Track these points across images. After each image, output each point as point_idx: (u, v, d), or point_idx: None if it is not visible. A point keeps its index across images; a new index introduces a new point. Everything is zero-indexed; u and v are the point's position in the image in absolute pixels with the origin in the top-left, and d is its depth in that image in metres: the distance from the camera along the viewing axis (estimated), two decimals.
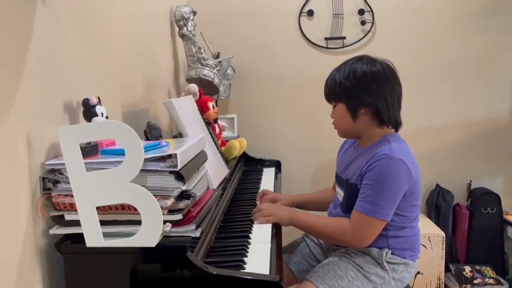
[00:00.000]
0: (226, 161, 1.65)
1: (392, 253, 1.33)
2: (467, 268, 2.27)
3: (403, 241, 1.34)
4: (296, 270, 1.53)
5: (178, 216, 0.92)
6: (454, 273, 2.26)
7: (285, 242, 1.60)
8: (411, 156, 1.29)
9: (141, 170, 0.84)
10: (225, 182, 1.51)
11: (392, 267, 1.32)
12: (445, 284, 2.22)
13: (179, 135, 1.52)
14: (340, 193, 1.44)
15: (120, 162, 0.84)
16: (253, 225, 1.32)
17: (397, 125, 1.37)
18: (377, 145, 1.33)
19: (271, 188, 1.77)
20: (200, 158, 1.10)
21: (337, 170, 1.51)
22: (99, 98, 1.04)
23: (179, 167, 0.90)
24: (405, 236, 1.34)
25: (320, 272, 1.31)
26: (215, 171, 1.41)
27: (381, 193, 1.24)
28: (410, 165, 1.26)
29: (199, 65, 2.00)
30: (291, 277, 1.53)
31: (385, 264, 1.31)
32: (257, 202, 1.57)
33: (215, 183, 1.34)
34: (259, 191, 1.68)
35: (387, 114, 1.32)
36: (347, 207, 1.36)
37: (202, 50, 2.01)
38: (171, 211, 0.93)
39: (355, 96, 1.32)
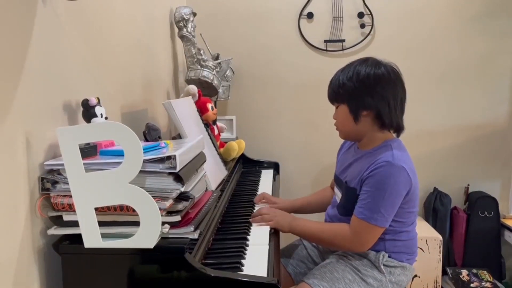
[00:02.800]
0: (225, 162, 1.66)
1: (389, 256, 1.33)
2: (464, 272, 2.27)
3: (400, 245, 1.34)
4: (294, 272, 1.53)
5: (177, 218, 0.92)
6: (451, 276, 2.26)
7: (283, 244, 1.60)
8: (411, 164, 1.29)
9: (140, 171, 0.84)
10: (224, 183, 1.51)
11: (389, 270, 1.32)
12: None
13: (178, 136, 1.52)
14: (338, 194, 1.44)
15: (119, 163, 0.84)
16: (251, 227, 1.32)
17: (399, 129, 1.37)
18: (378, 149, 1.32)
19: (269, 190, 1.78)
20: (199, 160, 1.11)
21: (336, 171, 1.51)
22: (98, 98, 1.04)
23: (178, 169, 0.91)
24: (402, 240, 1.35)
25: (317, 274, 1.31)
26: (213, 173, 1.41)
27: (381, 200, 1.24)
28: (410, 173, 1.26)
29: (199, 66, 2.01)
30: (288, 279, 1.53)
31: (382, 267, 1.31)
32: (256, 204, 1.58)
33: (213, 184, 1.34)
34: (258, 193, 1.68)
35: (389, 118, 1.32)
36: (345, 210, 1.36)
37: (201, 52, 2.01)
38: (170, 213, 0.93)
39: (357, 97, 1.32)
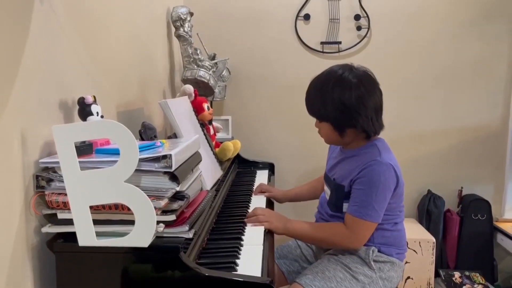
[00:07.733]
0: (220, 162, 1.66)
1: (379, 251, 1.36)
2: (457, 274, 2.29)
3: (388, 235, 1.37)
4: (287, 271, 1.54)
5: (172, 217, 0.92)
6: (443, 278, 2.28)
7: (277, 243, 1.61)
8: (396, 162, 1.34)
9: (136, 170, 0.84)
10: (219, 183, 1.51)
11: (379, 266, 1.35)
12: None
13: (174, 136, 1.52)
14: (327, 191, 1.48)
15: (114, 161, 0.84)
16: (246, 227, 1.32)
17: (380, 130, 1.40)
18: (364, 149, 1.36)
19: None
20: (194, 159, 1.11)
21: (326, 168, 1.55)
22: (94, 97, 1.04)
23: (173, 168, 0.91)
24: (389, 230, 1.37)
25: (309, 274, 1.32)
26: (209, 173, 1.41)
27: (373, 197, 1.28)
28: (397, 169, 1.31)
29: (195, 66, 2.01)
30: (281, 278, 1.54)
31: (372, 263, 1.33)
32: (254, 195, 1.68)
33: (208, 184, 1.34)
34: (253, 194, 1.71)
35: (373, 130, 1.34)
36: (335, 206, 1.40)
37: (198, 51, 2.01)
38: (165, 212, 0.93)
39: (340, 120, 1.34)
